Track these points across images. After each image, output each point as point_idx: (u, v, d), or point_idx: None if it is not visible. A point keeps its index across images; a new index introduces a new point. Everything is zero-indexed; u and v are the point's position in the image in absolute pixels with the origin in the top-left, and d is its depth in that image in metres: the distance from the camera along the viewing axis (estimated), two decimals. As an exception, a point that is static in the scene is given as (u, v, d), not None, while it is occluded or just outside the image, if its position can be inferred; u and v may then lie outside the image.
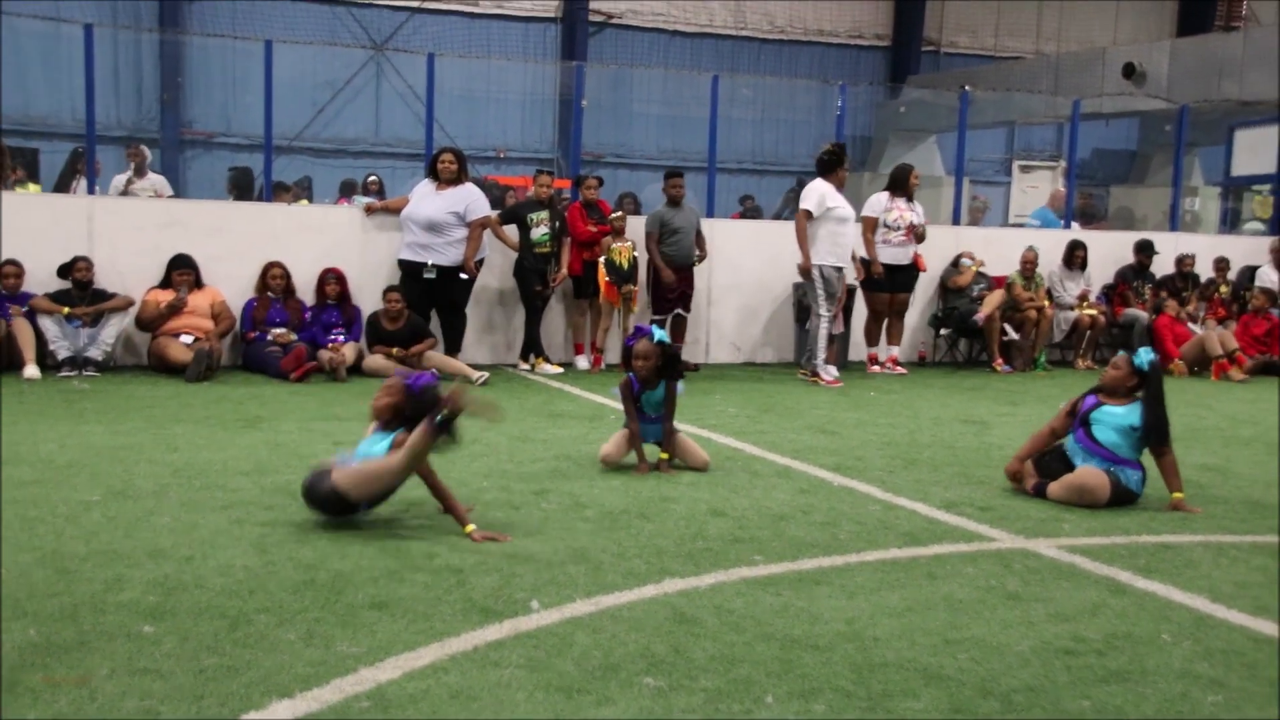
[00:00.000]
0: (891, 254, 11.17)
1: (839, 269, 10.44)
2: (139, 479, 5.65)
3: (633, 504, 5.55)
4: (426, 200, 10.07)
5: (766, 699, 3.29)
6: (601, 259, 10.72)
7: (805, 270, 10.40)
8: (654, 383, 6.33)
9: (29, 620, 3.67)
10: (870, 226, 11.04)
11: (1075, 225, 14.24)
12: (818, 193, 10.32)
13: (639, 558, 4.66)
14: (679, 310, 11.03)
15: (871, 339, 11.56)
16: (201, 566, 4.30)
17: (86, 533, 4.68)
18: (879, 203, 11.23)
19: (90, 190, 10.51)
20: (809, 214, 10.25)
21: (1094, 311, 12.44)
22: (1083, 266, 12.63)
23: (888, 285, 11.24)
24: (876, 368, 11.38)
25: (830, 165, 10.43)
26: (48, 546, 4.47)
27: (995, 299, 11.75)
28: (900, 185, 11.35)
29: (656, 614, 3.98)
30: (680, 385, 6.49)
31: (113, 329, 9.30)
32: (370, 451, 4.96)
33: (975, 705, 3.30)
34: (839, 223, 10.38)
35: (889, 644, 3.77)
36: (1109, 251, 13.18)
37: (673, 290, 10.92)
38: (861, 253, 11.16)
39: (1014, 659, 3.67)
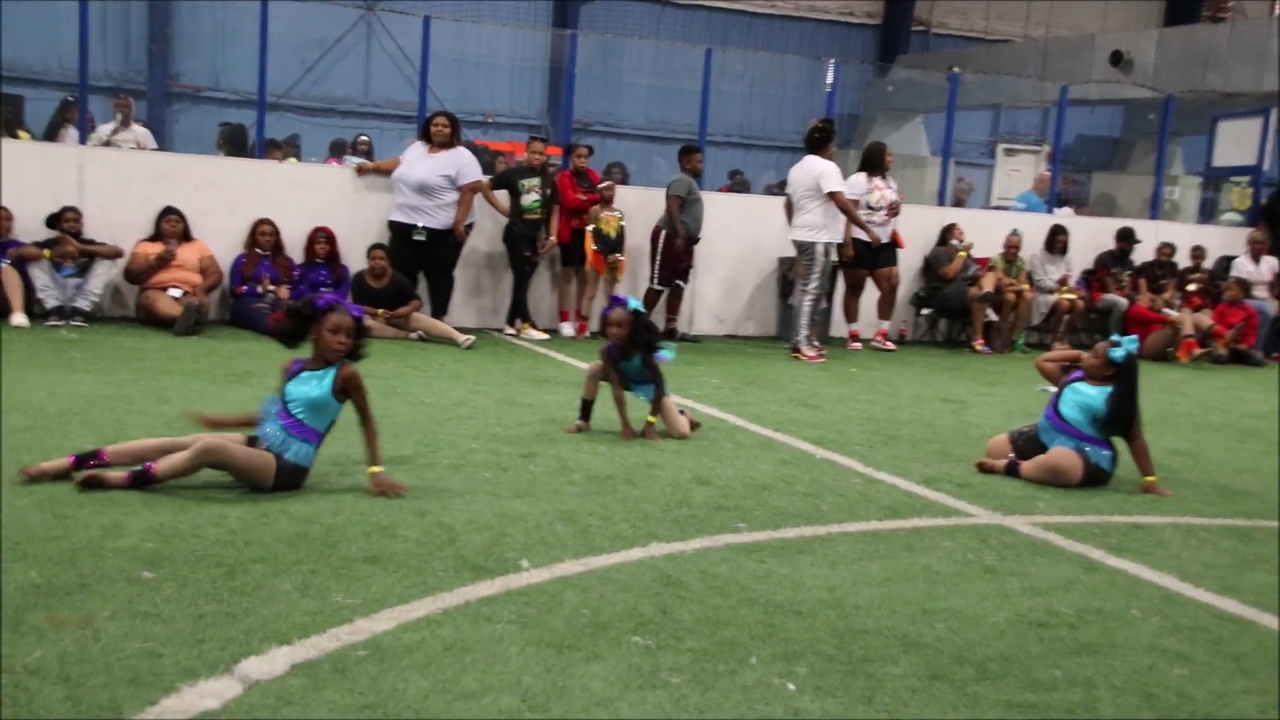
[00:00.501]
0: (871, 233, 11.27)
1: (832, 244, 10.58)
2: (131, 429, 5.71)
3: (619, 469, 5.65)
4: (418, 162, 10.10)
5: (751, 660, 3.40)
6: (589, 228, 10.78)
7: (875, 240, 10.95)
8: (629, 352, 6.43)
9: (30, 562, 3.74)
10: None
11: (1070, 210, 14.39)
12: (835, 170, 10.46)
13: (626, 521, 4.76)
14: (679, 281, 11.11)
15: (850, 315, 11.68)
16: (196, 516, 4.37)
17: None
18: (859, 184, 11.29)
19: (82, 141, 10.50)
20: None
21: (1073, 296, 12.59)
22: (1064, 251, 12.77)
23: (868, 262, 11.36)
24: (857, 344, 11.50)
25: (821, 142, 10.52)
26: (44, 492, 4.53)
27: (990, 281, 11.89)
28: (876, 164, 11.45)
29: (643, 576, 4.08)
30: (669, 353, 6.60)
31: (100, 279, 9.32)
32: (311, 394, 4.86)
33: (952, 672, 3.41)
34: None
35: (869, 612, 3.88)
36: (1090, 237, 13.33)
37: (683, 260, 10.98)
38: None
39: (989, 629, 3.79)
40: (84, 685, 2.91)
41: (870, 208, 11.21)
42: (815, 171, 10.42)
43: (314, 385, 4.88)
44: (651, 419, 6.49)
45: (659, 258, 10.93)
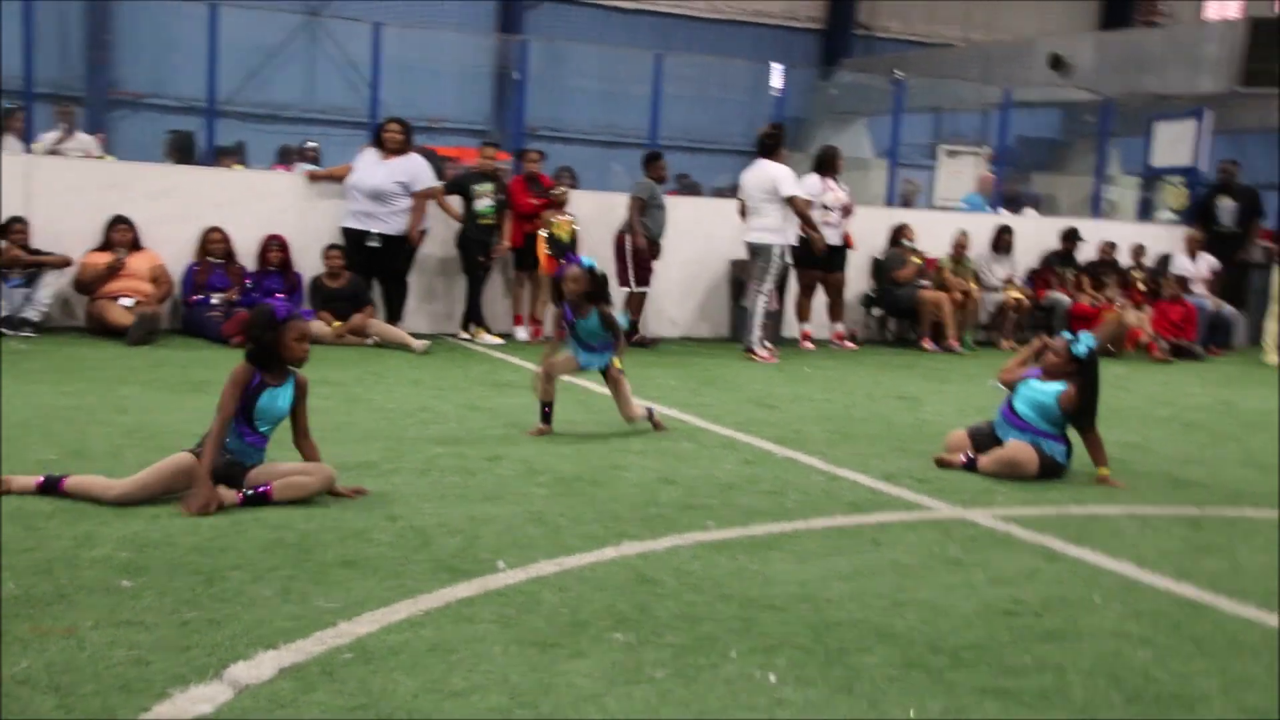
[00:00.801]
0: (826, 234, 11.40)
1: (787, 246, 10.79)
2: (93, 440, 5.68)
3: (585, 471, 5.70)
4: (372, 169, 10.09)
5: (730, 654, 3.46)
6: (542, 232, 10.81)
7: (821, 241, 10.98)
8: (585, 309, 6.56)
9: (6, 574, 3.72)
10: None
11: (1034, 210, 14.65)
12: (791, 174, 10.66)
13: (596, 522, 4.81)
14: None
15: (803, 315, 11.81)
16: (169, 525, 4.37)
17: (49, 491, 4.72)
18: (814, 185, 11.46)
19: (28, 149, 10.38)
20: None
21: (1018, 294, 12.82)
22: (1009, 250, 12.99)
23: (822, 264, 11.52)
24: (810, 344, 11.63)
25: (773, 147, 10.72)
26: (11, 503, 4.50)
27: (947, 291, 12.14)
28: (830, 166, 11.65)
29: (618, 575, 4.14)
30: (623, 319, 6.73)
31: (49, 289, 9.21)
32: (283, 410, 4.83)
33: (926, 660, 3.50)
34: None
35: (841, 605, 3.96)
36: (1034, 237, 13.57)
37: (650, 263, 11.07)
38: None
39: (959, 619, 3.88)
40: (75, 694, 2.91)
41: (825, 208, 11.39)
42: (771, 176, 10.58)
43: (281, 400, 4.84)
44: (618, 363, 6.66)
45: (631, 260, 10.95)
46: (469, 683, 3.14)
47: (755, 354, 10.56)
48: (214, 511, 4.53)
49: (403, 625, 3.52)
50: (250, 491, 4.67)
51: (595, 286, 6.57)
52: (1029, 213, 15.54)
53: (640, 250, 10.94)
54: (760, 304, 10.67)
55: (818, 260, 11.41)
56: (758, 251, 10.70)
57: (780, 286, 11.58)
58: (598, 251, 11.08)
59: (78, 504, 4.55)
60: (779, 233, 10.61)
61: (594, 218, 11.30)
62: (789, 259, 10.93)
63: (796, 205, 10.60)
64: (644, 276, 11.05)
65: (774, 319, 11.43)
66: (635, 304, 10.95)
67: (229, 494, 4.63)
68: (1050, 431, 6.10)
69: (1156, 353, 12.15)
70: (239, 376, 4.72)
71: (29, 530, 4.19)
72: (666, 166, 11.36)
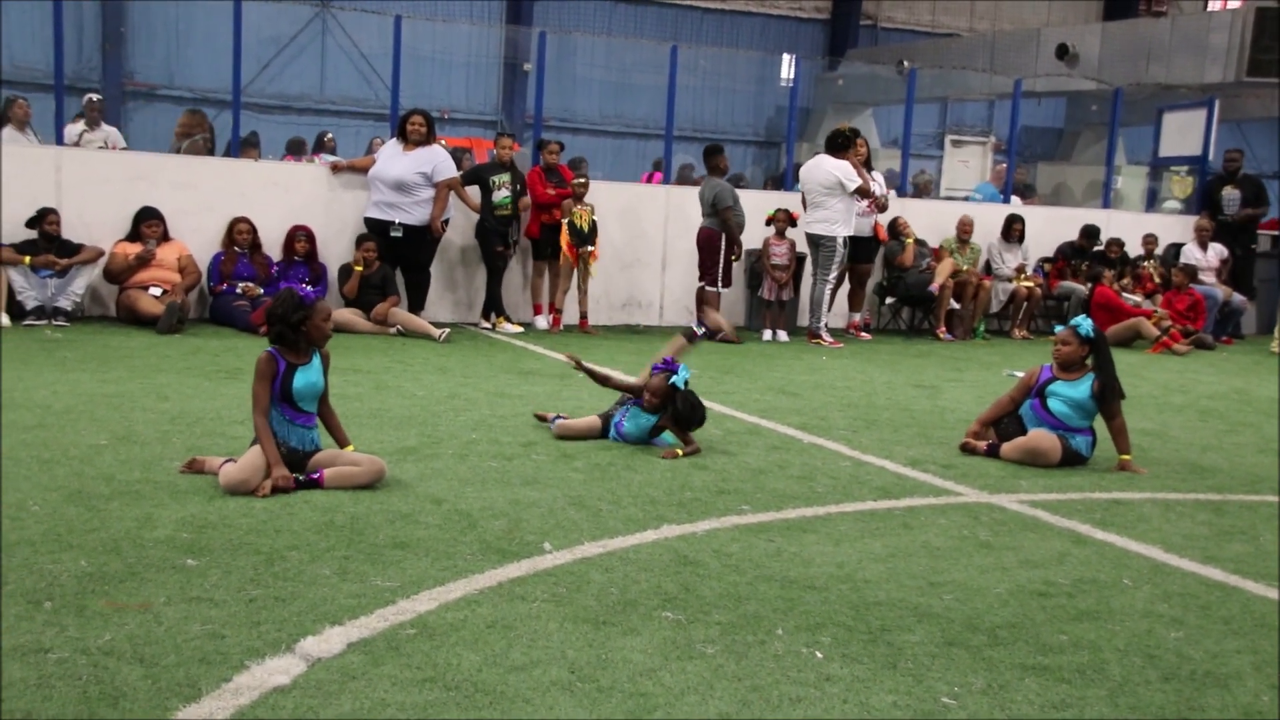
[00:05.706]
0: (855, 225, 11.47)
1: (848, 237, 11.19)
2: (139, 425, 5.80)
3: (618, 457, 5.82)
4: (394, 160, 10.20)
5: (777, 631, 3.59)
6: (564, 221, 10.92)
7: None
8: (655, 411, 6.20)
9: (77, 552, 3.86)
10: None
11: (1015, 200, 14.74)
12: (852, 169, 11.00)
13: (634, 505, 4.94)
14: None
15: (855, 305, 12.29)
16: (223, 507, 4.49)
17: (104, 475, 4.84)
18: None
19: (59, 140, 10.47)
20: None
21: (1031, 284, 12.91)
22: (1020, 239, 13.07)
23: (850, 256, 11.66)
24: (865, 334, 12.05)
25: (844, 145, 11.08)
26: (71, 486, 4.63)
27: (946, 268, 12.17)
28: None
29: (661, 556, 4.26)
30: (685, 372, 6.33)
31: (82, 280, 9.32)
32: (318, 385, 4.97)
33: (966, 639, 3.62)
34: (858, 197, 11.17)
35: (879, 585, 4.08)
36: (1044, 227, 13.66)
37: (732, 263, 11.36)
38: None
39: (994, 599, 4.01)
40: (159, 665, 3.04)
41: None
42: (832, 170, 10.95)
43: (314, 375, 4.97)
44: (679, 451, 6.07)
45: (722, 262, 11.18)
46: (529, 657, 3.27)
47: (822, 339, 11.05)
48: (281, 492, 4.70)
49: (460, 603, 3.65)
50: (302, 477, 4.79)
51: (677, 411, 6.08)
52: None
53: (731, 254, 11.22)
54: (827, 292, 11.13)
55: (853, 252, 11.68)
56: (820, 242, 11.07)
57: (796, 277, 11.73)
58: (612, 238, 11.21)
59: (133, 486, 4.68)
60: (840, 224, 10.98)
61: (608, 207, 11.44)
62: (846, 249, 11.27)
63: (863, 194, 11.07)
64: (729, 277, 11.36)
65: (788, 308, 11.63)
66: (714, 300, 11.23)
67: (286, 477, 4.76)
68: (1082, 426, 6.22)
69: (1180, 345, 12.20)
70: (264, 369, 4.83)
71: (92, 511, 4.32)
72: (729, 159, 11.70)
